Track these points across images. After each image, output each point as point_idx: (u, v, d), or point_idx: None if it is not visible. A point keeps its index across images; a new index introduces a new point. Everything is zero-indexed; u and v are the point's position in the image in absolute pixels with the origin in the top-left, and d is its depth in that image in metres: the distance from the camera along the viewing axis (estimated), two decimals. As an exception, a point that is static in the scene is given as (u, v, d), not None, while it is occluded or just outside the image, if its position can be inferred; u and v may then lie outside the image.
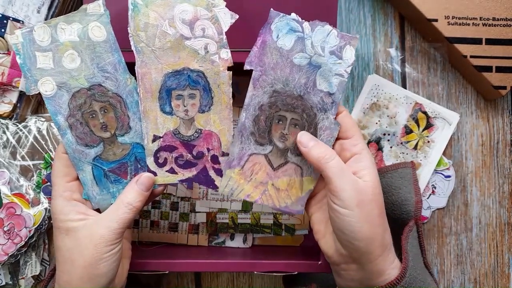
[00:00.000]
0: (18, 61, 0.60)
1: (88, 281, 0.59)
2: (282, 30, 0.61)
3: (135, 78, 0.63)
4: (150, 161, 0.65)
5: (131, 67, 0.63)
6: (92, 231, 0.60)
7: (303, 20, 0.61)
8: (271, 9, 0.61)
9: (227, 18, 0.62)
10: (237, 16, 0.62)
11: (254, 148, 0.64)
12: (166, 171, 0.65)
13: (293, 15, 0.61)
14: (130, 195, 0.62)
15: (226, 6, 0.61)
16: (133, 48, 0.62)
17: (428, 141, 0.82)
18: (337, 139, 0.64)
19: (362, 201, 0.58)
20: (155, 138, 0.64)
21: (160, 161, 0.65)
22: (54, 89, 0.61)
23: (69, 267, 0.60)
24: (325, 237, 0.64)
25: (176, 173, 0.65)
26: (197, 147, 0.65)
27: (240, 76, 0.64)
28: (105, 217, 0.61)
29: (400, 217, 0.73)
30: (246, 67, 0.62)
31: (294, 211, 0.66)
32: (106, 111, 0.63)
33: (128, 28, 0.61)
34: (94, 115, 0.63)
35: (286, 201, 0.66)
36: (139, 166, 0.65)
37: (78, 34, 0.61)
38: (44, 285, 0.67)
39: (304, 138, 0.62)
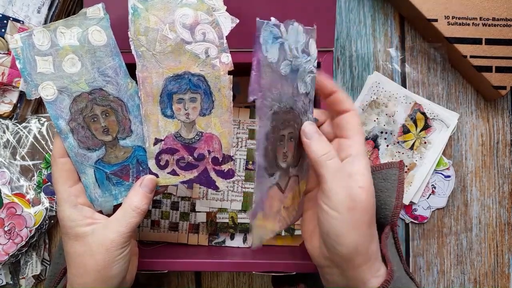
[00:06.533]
0: (18, 65, 0.60)
1: (102, 282, 0.60)
2: (268, 41, 0.55)
3: (136, 82, 0.63)
4: (151, 164, 0.65)
5: (132, 68, 0.63)
6: (102, 236, 0.60)
7: (280, 23, 0.56)
8: (257, 18, 0.55)
9: (228, 23, 0.61)
10: (237, 21, 0.61)
11: (268, 182, 0.57)
12: (168, 173, 0.65)
13: (273, 19, 0.55)
14: (136, 199, 0.62)
15: (227, 10, 0.61)
16: (133, 52, 0.62)
17: (425, 142, 0.82)
18: (337, 137, 0.62)
19: (354, 207, 0.56)
20: (157, 141, 0.64)
21: (162, 163, 0.65)
22: (55, 93, 0.61)
23: (82, 271, 0.60)
24: (312, 237, 0.63)
25: (177, 174, 0.65)
26: (198, 149, 0.65)
27: (240, 76, 0.64)
28: (114, 222, 0.61)
29: (379, 221, 0.69)
30: (250, 99, 0.53)
31: (299, 217, 0.66)
32: (107, 115, 0.63)
33: (129, 32, 0.61)
34: (95, 119, 0.63)
35: (293, 213, 0.64)
36: (140, 168, 0.65)
37: (78, 38, 0.61)
38: (56, 283, 0.67)
39: (308, 129, 0.59)
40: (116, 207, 0.64)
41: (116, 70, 0.62)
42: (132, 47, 0.61)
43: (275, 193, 0.59)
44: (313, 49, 0.60)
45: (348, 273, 0.59)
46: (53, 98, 0.61)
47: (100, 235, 0.60)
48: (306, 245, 0.64)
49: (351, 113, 0.61)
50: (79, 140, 0.62)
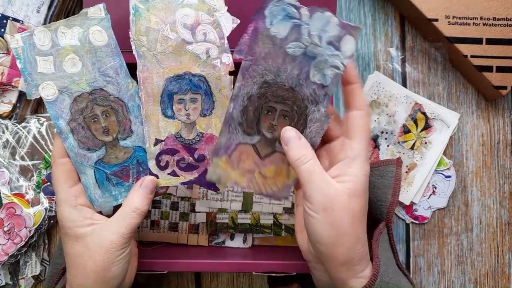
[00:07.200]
0: (19, 65, 0.60)
1: (101, 283, 0.60)
2: (277, 16, 0.57)
3: (137, 82, 0.63)
4: (152, 164, 0.65)
5: (132, 68, 0.63)
6: (102, 237, 0.60)
7: (302, 5, 0.57)
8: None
9: (229, 23, 0.61)
10: (238, 21, 0.61)
11: (241, 138, 0.62)
12: (168, 173, 0.65)
13: None
14: (136, 200, 0.62)
15: (228, 10, 0.61)
16: (134, 52, 0.62)
17: (426, 142, 0.82)
18: (343, 135, 0.61)
19: (330, 207, 0.56)
20: (157, 142, 0.64)
21: (162, 164, 0.65)
22: (55, 93, 0.61)
23: (81, 272, 0.60)
24: (302, 232, 0.64)
25: (178, 175, 0.65)
26: (199, 150, 0.65)
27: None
28: (114, 223, 0.61)
29: (375, 217, 0.71)
30: (235, 56, 0.59)
31: (280, 197, 0.65)
32: (108, 115, 0.63)
33: (130, 33, 0.61)
34: (96, 119, 0.62)
35: (272, 188, 0.64)
36: (141, 169, 0.65)
37: (79, 38, 0.61)
38: (55, 282, 0.67)
39: (286, 135, 0.60)
40: (116, 208, 0.64)
41: (116, 70, 0.62)
42: (133, 47, 0.62)
43: (249, 151, 0.63)
44: (348, 47, 0.58)
45: (330, 270, 0.59)
46: (53, 98, 0.61)
47: (99, 236, 0.60)
48: (297, 238, 0.65)
49: (360, 114, 0.60)
50: (79, 140, 0.62)
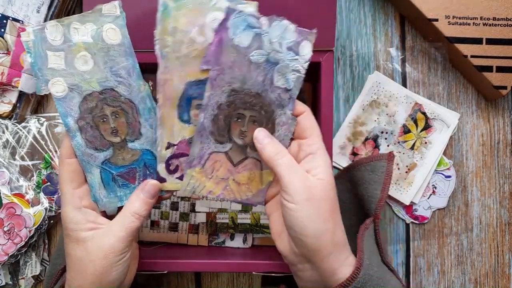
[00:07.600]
0: (29, 59, 0.59)
1: (100, 286, 0.60)
2: (239, 26, 0.59)
3: (148, 85, 0.62)
4: (161, 168, 0.64)
5: (144, 69, 0.62)
6: (102, 241, 0.60)
7: (261, 15, 0.59)
8: (227, 6, 0.59)
9: None
10: None
11: (214, 146, 0.64)
12: (177, 177, 0.65)
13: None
14: (136, 204, 0.62)
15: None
16: (157, 52, 0.60)
17: (426, 142, 0.82)
18: (295, 139, 0.64)
19: (312, 197, 0.58)
20: (169, 146, 0.63)
21: (172, 168, 0.64)
22: (65, 90, 0.60)
23: (80, 274, 0.60)
24: (281, 236, 0.64)
25: (185, 180, 0.65)
26: (210, 156, 0.65)
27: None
28: (114, 227, 0.61)
29: (365, 213, 0.72)
30: (203, 66, 0.60)
31: (255, 203, 0.67)
32: (117, 116, 0.62)
33: (155, 31, 0.59)
34: (105, 119, 0.62)
35: (247, 194, 0.67)
36: (147, 172, 0.64)
37: (92, 35, 0.60)
38: (54, 282, 0.68)
39: (260, 135, 0.62)
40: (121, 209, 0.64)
41: (129, 71, 0.61)
42: (156, 47, 0.60)
43: (221, 159, 0.65)
44: (306, 51, 0.61)
45: (318, 265, 0.60)
46: (63, 95, 0.60)
47: (99, 241, 0.60)
48: (277, 245, 0.65)
49: (304, 115, 0.63)
50: (87, 139, 0.62)
